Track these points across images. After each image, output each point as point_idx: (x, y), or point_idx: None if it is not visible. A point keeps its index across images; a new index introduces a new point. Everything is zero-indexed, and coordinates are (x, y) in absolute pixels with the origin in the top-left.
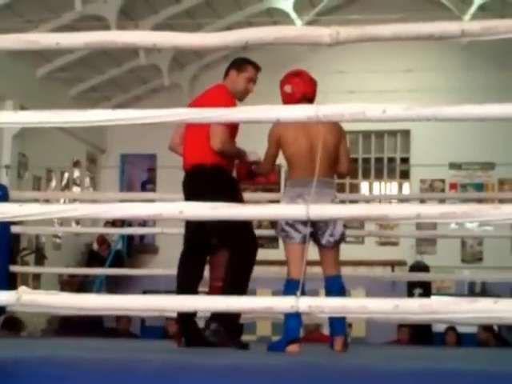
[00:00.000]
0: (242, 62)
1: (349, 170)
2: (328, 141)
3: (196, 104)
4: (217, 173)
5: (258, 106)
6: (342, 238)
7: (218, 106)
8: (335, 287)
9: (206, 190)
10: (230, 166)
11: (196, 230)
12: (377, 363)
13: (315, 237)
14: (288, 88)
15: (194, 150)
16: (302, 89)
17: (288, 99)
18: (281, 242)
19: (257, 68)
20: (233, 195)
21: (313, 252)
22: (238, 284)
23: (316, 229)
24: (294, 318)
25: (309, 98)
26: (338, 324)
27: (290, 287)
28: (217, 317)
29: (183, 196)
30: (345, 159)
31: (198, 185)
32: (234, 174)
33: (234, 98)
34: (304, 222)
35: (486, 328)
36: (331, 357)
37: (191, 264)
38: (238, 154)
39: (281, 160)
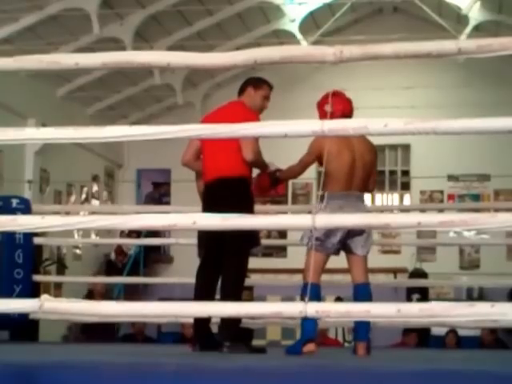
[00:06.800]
0: (258, 81)
1: (374, 188)
2: (367, 158)
3: (216, 120)
4: (244, 185)
5: (267, 122)
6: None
7: (245, 120)
8: (364, 294)
9: (234, 201)
10: (251, 179)
11: (212, 245)
12: (386, 364)
13: (347, 247)
14: (328, 107)
15: (220, 163)
16: (342, 107)
17: (328, 117)
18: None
19: (271, 87)
20: (253, 206)
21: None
22: (241, 287)
23: (350, 239)
24: (310, 319)
25: (347, 116)
26: (362, 329)
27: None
28: (226, 334)
29: (204, 207)
30: (374, 178)
31: (226, 197)
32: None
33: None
34: (340, 234)
35: (492, 330)
36: (340, 359)
37: (208, 278)
38: (264, 165)
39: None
